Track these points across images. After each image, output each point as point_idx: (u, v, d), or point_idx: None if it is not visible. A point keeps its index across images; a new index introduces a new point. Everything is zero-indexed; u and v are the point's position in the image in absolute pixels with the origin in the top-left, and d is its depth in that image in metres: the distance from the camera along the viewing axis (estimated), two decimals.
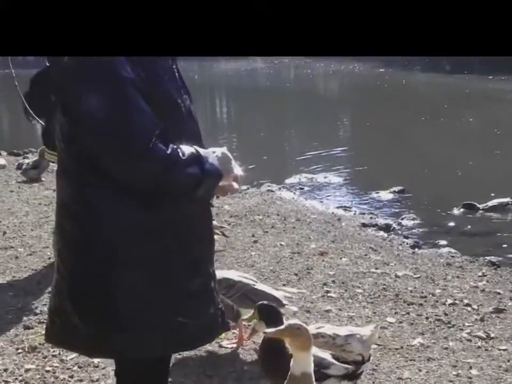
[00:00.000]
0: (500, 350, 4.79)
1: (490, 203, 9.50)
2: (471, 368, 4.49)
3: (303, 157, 13.64)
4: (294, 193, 10.13)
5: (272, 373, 3.65)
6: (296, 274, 6.19)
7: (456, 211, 9.41)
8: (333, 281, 6.03)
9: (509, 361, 4.60)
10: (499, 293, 5.89)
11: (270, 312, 3.87)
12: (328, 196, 10.59)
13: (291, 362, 3.08)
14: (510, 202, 9.49)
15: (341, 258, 6.75)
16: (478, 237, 8.31)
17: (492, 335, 4.99)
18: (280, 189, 10.25)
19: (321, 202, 9.87)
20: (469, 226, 8.86)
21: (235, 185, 2.57)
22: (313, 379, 3.07)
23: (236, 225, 7.72)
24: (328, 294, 5.73)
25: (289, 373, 3.06)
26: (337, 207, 9.46)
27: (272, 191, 10.02)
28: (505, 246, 7.99)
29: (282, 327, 3.11)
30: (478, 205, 9.46)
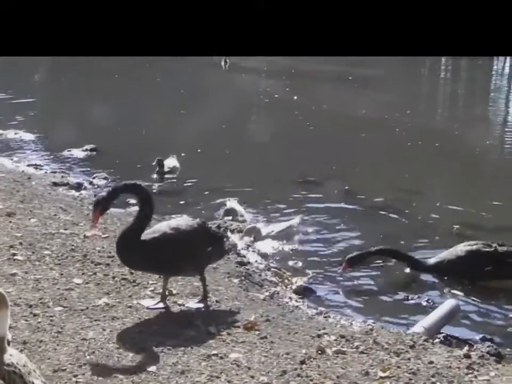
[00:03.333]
0: (179, 305, 5.11)
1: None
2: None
3: None
4: None
5: None
6: None
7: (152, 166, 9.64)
8: (20, 243, 5.94)
9: (184, 316, 4.95)
10: None
11: None
12: (19, 153, 10.27)
13: None
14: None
15: (29, 219, 6.65)
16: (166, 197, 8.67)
17: (174, 291, 5.29)
18: None
19: (11, 159, 9.57)
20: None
21: None
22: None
23: None
24: (15, 257, 5.64)
25: None
26: (28, 165, 9.25)
27: None
28: None
29: None
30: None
